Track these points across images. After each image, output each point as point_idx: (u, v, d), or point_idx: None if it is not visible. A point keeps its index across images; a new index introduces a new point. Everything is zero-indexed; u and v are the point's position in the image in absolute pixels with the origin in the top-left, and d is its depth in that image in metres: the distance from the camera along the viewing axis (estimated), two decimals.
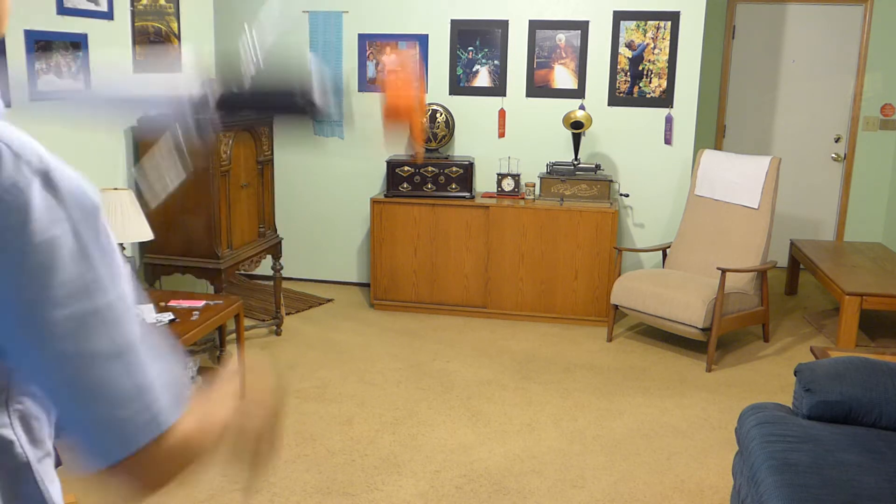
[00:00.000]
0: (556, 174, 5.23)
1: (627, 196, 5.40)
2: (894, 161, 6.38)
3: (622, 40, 5.27)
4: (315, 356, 4.55)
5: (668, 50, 5.22)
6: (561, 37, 5.35)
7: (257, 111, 1.34)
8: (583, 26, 5.31)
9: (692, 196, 5.13)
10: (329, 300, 5.60)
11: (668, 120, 5.31)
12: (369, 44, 5.58)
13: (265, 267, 5.48)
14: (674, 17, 5.18)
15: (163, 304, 3.69)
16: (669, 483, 3.22)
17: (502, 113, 5.51)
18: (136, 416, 0.85)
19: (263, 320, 5.03)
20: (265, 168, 4.75)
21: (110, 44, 4.03)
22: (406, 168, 5.27)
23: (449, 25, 5.45)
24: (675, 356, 4.65)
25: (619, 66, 5.31)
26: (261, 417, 1.07)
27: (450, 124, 5.36)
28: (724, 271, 4.37)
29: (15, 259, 0.79)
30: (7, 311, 0.80)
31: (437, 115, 5.33)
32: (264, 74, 1.31)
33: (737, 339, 4.97)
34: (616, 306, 4.83)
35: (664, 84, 5.27)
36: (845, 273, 4.94)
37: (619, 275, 4.90)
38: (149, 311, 3.52)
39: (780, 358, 4.68)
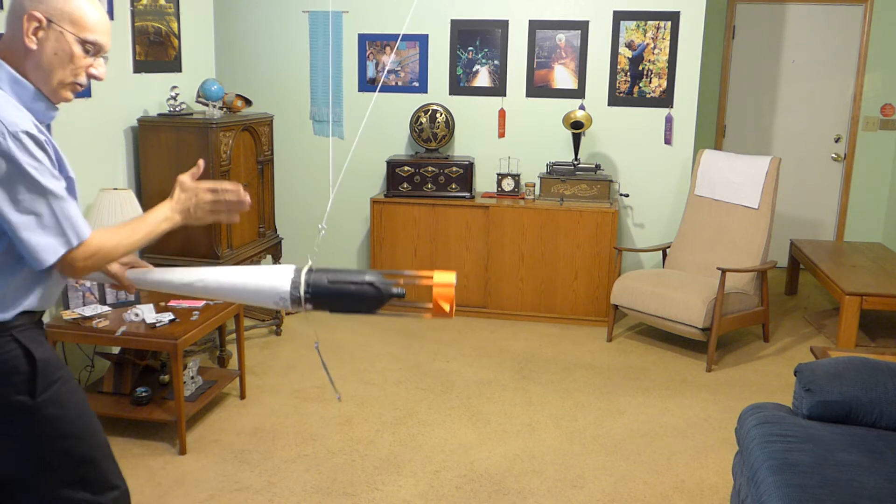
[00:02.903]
0: (556, 174, 5.23)
1: (627, 196, 5.40)
2: (894, 161, 6.38)
3: (622, 40, 5.27)
4: (315, 356, 4.54)
5: (668, 50, 5.22)
6: (561, 37, 5.35)
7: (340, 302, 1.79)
8: (583, 26, 5.31)
9: (692, 196, 5.13)
10: None
11: (668, 120, 5.31)
12: (369, 44, 5.59)
13: None
14: (674, 17, 5.18)
15: (163, 304, 3.69)
16: (669, 483, 3.22)
17: (502, 113, 5.51)
18: (54, 239, 1.63)
19: (263, 320, 5.03)
20: (265, 168, 4.75)
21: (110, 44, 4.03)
22: (406, 168, 5.27)
23: (449, 25, 5.46)
24: (675, 356, 4.65)
25: (619, 66, 5.31)
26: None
27: (450, 124, 5.36)
28: (724, 271, 4.37)
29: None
30: None
31: (437, 115, 5.33)
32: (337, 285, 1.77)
33: (737, 339, 4.97)
34: (616, 306, 4.83)
35: (664, 84, 5.27)
36: (845, 273, 4.94)
37: (619, 275, 4.90)
38: (149, 311, 3.52)
39: (780, 358, 4.68)
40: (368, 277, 1.78)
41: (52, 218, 1.61)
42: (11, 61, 1.67)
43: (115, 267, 1.90)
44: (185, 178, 1.84)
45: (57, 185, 1.63)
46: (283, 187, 5.82)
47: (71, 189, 1.72)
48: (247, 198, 1.87)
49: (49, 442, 1.71)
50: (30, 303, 1.72)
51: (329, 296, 1.75)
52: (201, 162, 1.91)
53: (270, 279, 1.75)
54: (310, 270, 1.77)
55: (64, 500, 1.75)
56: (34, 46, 1.65)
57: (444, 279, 1.79)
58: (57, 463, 1.72)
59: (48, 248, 1.62)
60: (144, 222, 1.77)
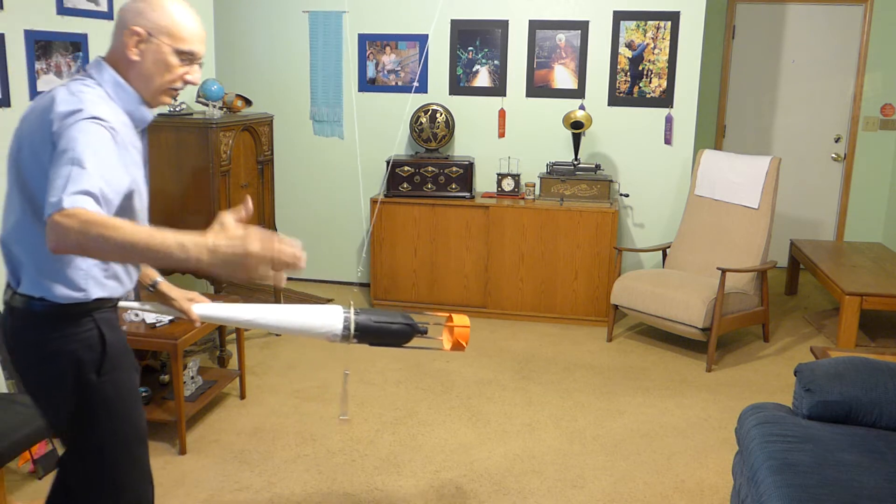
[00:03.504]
0: (556, 174, 5.23)
1: (627, 196, 5.41)
2: (894, 161, 6.38)
3: (622, 40, 5.27)
4: (315, 356, 4.55)
5: (668, 50, 5.22)
6: (561, 37, 5.36)
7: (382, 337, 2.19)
8: (583, 26, 5.31)
9: (692, 196, 5.13)
10: (329, 300, 5.60)
11: (668, 120, 5.31)
12: (369, 44, 5.59)
13: None
14: (674, 17, 5.18)
15: None
16: (669, 483, 3.22)
17: (502, 113, 5.51)
18: (63, 194, 1.54)
19: None
20: (265, 168, 4.75)
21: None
22: (406, 168, 5.27)
23: (449, 25, 5.46)
24: (675, 356, 4.65)
25: (619, 66, 5.31)
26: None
27: (450, 124, 5.36)
28: (724, 271, 4.37)
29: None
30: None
31: (437, 115, 5.33)
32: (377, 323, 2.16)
33: (737, 339, 4.97)
34: (616, 306, 4.83)
35: (664, 84, 5.27)
36: (845, 273, 4.94)
37: (619, 275, 4.90)
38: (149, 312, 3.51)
39: (780, 358, 4.68)
40: (402, 317, 2.21)
41: (64, 179, 1.57)
42: (117, 69, 1.84)
43: (184, 304, 2.05)
44: (231, 220, 1.63)
45: (92, 161, 1.60)
46: (283, 187, 5.82)
47: (129, 205, 1.80)
48: (302, 260, 1.62)
49: (100, 416, 1.89)
50: (106, 289, 1.87)
51: (373, 333, 2.19)
52: (249, 200, 1.76)
53: (324, 319, 2.10)
54: (356, 312, 2.15)
55: (110, 471, 1.96)
56: (136, 58, 1.82)
57: (461, 322, 2.31)
58: (101, 435, 1.91)
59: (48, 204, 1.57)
60: (150, 230, 1.54)
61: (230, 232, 1.57)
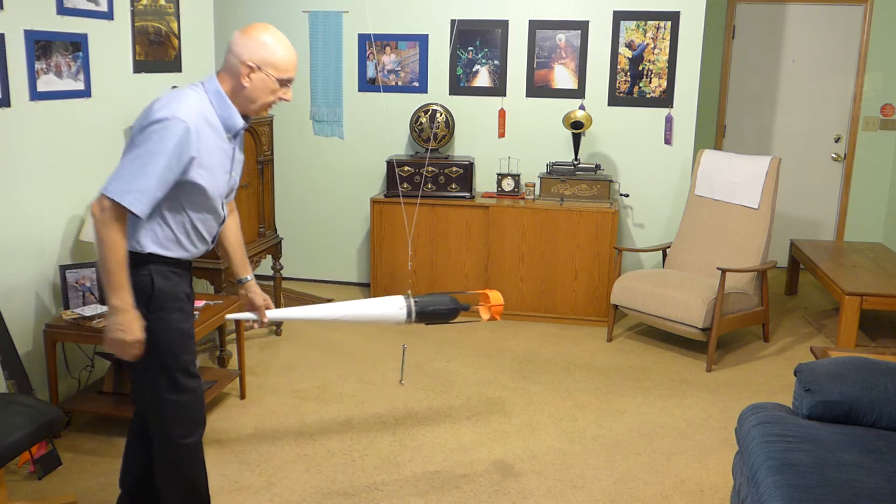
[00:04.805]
0: (556, 174, 5.23)
1: (627, 196, 5.41)
2: (894, 161, 6.38)
3: (622, 40, 5.27)
4: (315, 356, 4.55)
5: (668, 50, 5.22)
6: (561, 37, 5.36)
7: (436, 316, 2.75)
8: (583, 26, 5.31)
9: (692, 196, 5.13)
10: (329, 300, 5.60)
11: (668, 120, 5.31)
12: (369, 44, 5.59)
13: (265, 267, 5.48)
14: (674, 17, 5.18)
15: None
16: (669, 483, 3.22)
17: (502, 113, 5.51)
18: (112, 185, 2.19)
19: None
20: (265, 168, 4.75)
21: (110, 44, 4.03)
22: (406, 168, 5.27)
23: (449, 25, 5.46)
24: (675, 356, 4.66)
25: (619, 66, 5.31)
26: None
27: (450, 124, 5.36)
28: (723, 271, 4.38)
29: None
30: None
31: (437, 115, 5.33)
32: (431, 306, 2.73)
33: (737, 339, 4.97)
34: (616, 306, 4.83)
35: (664, 84, 5.27)
36: (845, 273, 4.94)
37: (619, 275, 4.90)
38: None
39: (780, 358, 4.68)
40: (450, 300, 2.74)
41: (123, 169, 2.20)
42: (225, 86, 2.36)
43: (262, 303, 2.62)
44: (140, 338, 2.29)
45: (158, 162, 2.18)
46: (283, 187, 5.82)
47: (196, 195, 2.31)
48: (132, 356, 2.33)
49: (149, 346, 2.34)
50: (166, 249, 2.36)
51: (430, 315, 2.70)
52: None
53: (390, 308, 2.65)
54: (415, 301, 2.67)
55: (151, 388, 2.42)
56: (247, 84, 2.34)
57: (497, 300, 2.79)
58: (150, 363, 2.37)
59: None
60: (121, 271, 2.23)
61: (125, 322, 2.24)
